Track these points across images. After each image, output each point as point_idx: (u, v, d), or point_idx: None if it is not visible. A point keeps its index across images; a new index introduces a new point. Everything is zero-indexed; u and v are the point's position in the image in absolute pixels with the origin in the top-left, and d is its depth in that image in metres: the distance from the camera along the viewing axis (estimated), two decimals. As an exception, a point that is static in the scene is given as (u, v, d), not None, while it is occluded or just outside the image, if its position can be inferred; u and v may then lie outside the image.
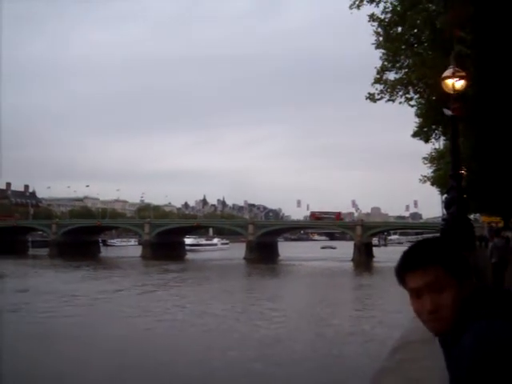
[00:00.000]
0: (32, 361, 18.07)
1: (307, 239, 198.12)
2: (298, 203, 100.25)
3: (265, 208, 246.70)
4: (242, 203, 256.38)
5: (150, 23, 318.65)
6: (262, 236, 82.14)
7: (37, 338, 21.65)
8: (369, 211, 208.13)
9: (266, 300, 34.28)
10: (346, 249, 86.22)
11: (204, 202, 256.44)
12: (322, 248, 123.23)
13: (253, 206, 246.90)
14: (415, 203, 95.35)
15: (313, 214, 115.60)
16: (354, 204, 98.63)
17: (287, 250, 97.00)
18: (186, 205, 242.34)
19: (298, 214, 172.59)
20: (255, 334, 22.95)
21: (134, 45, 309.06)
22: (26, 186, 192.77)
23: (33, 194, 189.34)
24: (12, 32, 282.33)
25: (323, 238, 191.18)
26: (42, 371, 16.90)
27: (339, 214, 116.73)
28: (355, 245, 79.38)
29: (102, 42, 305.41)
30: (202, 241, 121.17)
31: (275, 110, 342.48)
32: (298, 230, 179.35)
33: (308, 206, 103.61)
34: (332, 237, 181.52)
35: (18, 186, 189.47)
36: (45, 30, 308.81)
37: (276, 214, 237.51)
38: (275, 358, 18.44)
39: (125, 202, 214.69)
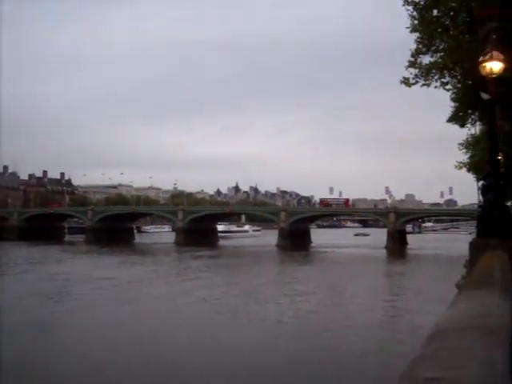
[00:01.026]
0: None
1: (340, 226, 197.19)
2: (331, 190, 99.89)
3: (297, 195, 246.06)
4: (274, 190, 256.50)
5: (174, 9, 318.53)
6: (295, 223, 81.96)
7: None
8: (403, 198, 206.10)
9: (306, 287, 34.25)
10: (379, 236, 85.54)
11: (236, 188, 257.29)
12: (355, 235, 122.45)
13: (285, 192, 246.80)
14: (450, 190, 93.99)
15: (322, 201, 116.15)
16: (387, 191, 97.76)
17: (320, 236, 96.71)
18: (218, 192, 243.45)
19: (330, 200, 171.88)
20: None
21: (170, 29, 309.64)
22: (62, 174, 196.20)
23: (69, 182, 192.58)
24: (43, 22, 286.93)
25: (356, 224, 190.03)
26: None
27: (347, 200, 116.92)
28: (388, 232, 78.59)
29: (140, 29, 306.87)
30: (234, 227, 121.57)
31: (307, 95, 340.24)
32: (331, 217, 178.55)
33: (340, 193, 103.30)
34: (365, 224, 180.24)
35: (54, 174, 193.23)
36: (71, 20, 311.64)
37: (308, 200, 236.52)
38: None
39: (158, 189, 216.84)
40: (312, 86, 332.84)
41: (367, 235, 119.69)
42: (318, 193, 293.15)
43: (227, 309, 25.71)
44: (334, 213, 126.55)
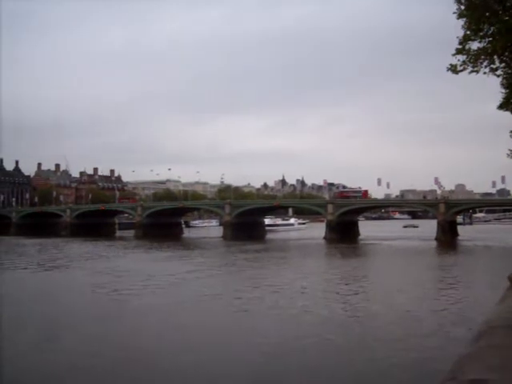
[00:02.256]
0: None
1: (388, 218, 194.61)
2: (379, 181, 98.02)
3: (344, 187, 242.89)
4: (321, 183, 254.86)
5: (230, 4, 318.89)
6: (342, 215, 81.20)
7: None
8: (453, 188, 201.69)
9: (364, 280, 34.06)
10: (428, 227, 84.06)
11: (283, 182, 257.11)
12: (404, 227, 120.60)
13: (332, 185, 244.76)
14: (502, 179, 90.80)
15: (340, 193, 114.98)
16: (436, 181, 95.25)
17: (368, 228, 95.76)
18: (265, 185, 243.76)
19: (378, 192, 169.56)
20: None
21: (214, 26, 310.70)
22: (112, 171, 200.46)
23: (118, 178, 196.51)
24: (95, 19, 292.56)
25: (405, 216, 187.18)
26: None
27: (366, 191, 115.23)
28: (438, 223, 76.95)
29: (186, 24, 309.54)
30: (279, 221, 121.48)
31: (352, 88, 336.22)
32: (379, 209, 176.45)
33: (388, 184, 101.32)
34: (414, 215, 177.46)
35: (104, 171, 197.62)
36: (127, 15, 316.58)
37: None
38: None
39: (205, 183, 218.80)
40: (361, 76, 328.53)
41: (416, 227, 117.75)
42: (366, 185, 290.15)
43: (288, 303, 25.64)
44: (382, 204, 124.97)
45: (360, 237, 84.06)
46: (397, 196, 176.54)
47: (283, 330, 19.87)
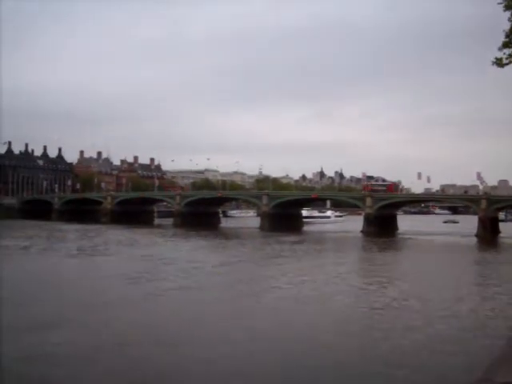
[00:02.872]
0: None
1: (428, 213, 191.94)
2: (419, 175, 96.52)
3: (383, 180, 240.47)
4: (359, 175, 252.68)
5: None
6: (381, 209, 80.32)
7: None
8: (495, 184, 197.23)
9: (400, 275, 33.67)
10: (469, 223, 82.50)
11: (321, 174, 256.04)
12: (444, 222, 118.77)
13: (371, 178, 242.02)
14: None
15: (365, 187, 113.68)
16: (478, 176, 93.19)
17: (407, 223, 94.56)
18: (303, 177, 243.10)
19: (418, 186, 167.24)
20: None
21: (250, 17, 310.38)
22: (152, 159, 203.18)
23: (158, 167, 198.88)
24: (131, 9, 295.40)
25: (445, 211, 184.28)
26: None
27: (392, 185, 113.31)
28: (479, 219, 75.41)
29: (221, 15, 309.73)
30: (315, 213, 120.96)
31: (393, 79, 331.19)
32: (419, 203, 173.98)
33: (429, 179, 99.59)
34: (455, 211, 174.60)
35: (144, 159, 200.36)
36: (162, 8, 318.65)
37: (395, 186, 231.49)
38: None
39: (243, 174, 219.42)
40: (401, 68, 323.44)
41: (457, 222, 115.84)
42: (406, 178, 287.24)
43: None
44: (422, 199, 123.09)
45: (398, 231, 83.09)
46: (437, 191, 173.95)
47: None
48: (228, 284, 28.71)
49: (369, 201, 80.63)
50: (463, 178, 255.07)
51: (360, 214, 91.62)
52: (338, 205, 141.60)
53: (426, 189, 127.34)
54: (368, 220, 79.76)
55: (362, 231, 78.29)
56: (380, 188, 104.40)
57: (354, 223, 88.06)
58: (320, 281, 29.74)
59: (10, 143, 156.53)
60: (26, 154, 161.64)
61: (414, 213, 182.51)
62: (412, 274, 34.83)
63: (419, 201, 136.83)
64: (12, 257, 39.74)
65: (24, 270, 32.39)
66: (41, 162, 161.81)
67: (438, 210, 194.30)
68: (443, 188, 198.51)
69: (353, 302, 24.24)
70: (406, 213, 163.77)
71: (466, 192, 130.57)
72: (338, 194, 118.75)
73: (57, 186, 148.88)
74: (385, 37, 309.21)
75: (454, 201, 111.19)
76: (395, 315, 21.33)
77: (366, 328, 19.20)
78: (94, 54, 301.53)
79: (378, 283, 29.56)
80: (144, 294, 24.69)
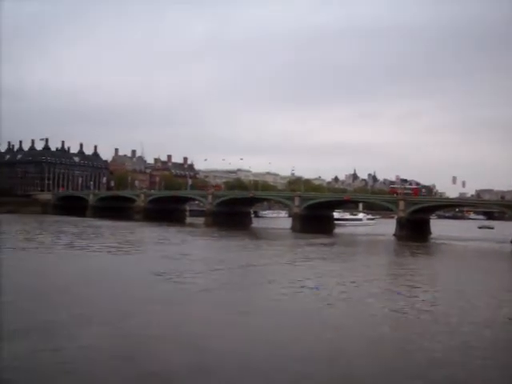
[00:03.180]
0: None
1: (462, 218, 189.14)
2: (454, 180, 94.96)
3: (417, 184, 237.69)
4: (393, 178, 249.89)
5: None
6: (414, 212, 79.38)
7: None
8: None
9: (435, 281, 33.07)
10: (505, 229, 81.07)
11: (354, 176, 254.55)
12: (479, 228, 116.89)
13: (405, 181, 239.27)
14: None
15: (391, 190, 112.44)
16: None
17: (440, 228, 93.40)
18: (335, 179, 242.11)
19: (453, 191, 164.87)
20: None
21: (292, 18, 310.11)
22: (185, 159, 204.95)
23: (191, 166, 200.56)
24: (173, 13, 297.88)
25: (480, 217, 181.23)
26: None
27: (418, 189, 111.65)
28: (516, 225, 74.06)
29: (263, 17, 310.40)
30: (347, 215, 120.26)
31: (433, 82, 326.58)
32: (453, 208, 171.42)
33: (464, 183, 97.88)
34: (490, 216, 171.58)
35: (178, 158, 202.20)
36: (207, 8, 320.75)
37: (429, 190, 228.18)
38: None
39: (276, 174, 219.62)
40: (436, 72, 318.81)
41: (492, 228, 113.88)
42: (440, 182, 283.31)
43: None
44: (456, 203, 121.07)
45: (431, 236, 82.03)
46: (472, 195, 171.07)
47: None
48: (253, 284, 28.70)
49: (402, 204, 79.78)
50: (501, 183, 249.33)
51: (392, 218, 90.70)
52: (370, 207, 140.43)
53: (461, 193, 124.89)
54: (401, 223, 78.94)
55: (394, 235, 77.57)
56: (406, 192, 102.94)
57: (386, 226, 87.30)
58: (351, 284, 29.52)
59: (47, 140, 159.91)
60: (63, 151, 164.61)
61: (448, 217, 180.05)
62: (445, 280, 34.11)
63: (453, 205, 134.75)
64: (55, 254, 40.54)
65: (75, 267, 33.02)
66: (77, 159, 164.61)
67: (472, 215, 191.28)
68: (479, 193, 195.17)
69: (389, 306, 23.85)
70: (439, 217, 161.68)
71: (502, 197, 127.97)
72: (370, 196, 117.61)
73: (92, 182, 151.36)
74: (436, 37, 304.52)
75: (489, 206, 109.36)
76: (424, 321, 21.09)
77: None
78: (135, 54, 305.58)
79: (410, 288, 29.01)
80: (177, 291, 24.99)
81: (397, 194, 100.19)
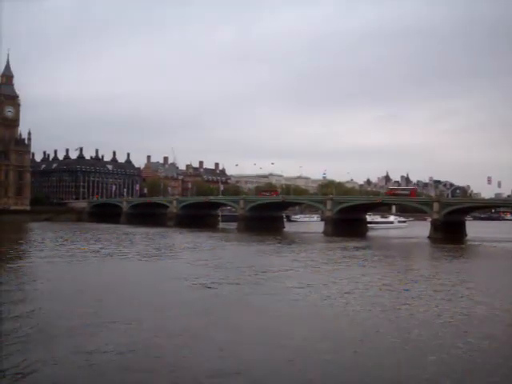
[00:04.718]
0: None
1: (498, 219, 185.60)
2: (489, 180, 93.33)
3: (451, 185, 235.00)
4: (426, 180, 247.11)
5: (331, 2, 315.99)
6: (448, 214, 78.19)
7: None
8: None
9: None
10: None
11: (387, 178, 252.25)
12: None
13: (438, 182, 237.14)
14: None
15: (389, 191, 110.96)
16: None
17: (475, 229, 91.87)
18: (368, 181, 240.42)
19: (488, 191, 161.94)
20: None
21: (316, 23, 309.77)
22: (217, 164, 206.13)
23: (223, 172, 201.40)
24: (205, 19, 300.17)
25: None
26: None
27: (415, 190, 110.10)
28: (555, 226, 72.38)
29: (286, 22, 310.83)
30: (378, 218, 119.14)
31: (465, 82, 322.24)
32: (489, 209, 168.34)
33: (499, 183, 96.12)
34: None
35: (209, 164, 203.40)
36: (231, 14, 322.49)
37: (464, 191, 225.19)
38: None
39: (307, 178, 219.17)
40: (468, 71, 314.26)
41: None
42: (475, 183, 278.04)
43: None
44: (492, 204, 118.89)
45: (467, 237, 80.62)
46: (509, 196, 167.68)
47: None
48: (289, 290, 28.59)
49: (436, 206, 78.71)
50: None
51: (425, 220, 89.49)
52: (404, 210, 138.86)
53: (497, 194, 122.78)
54: (435, 226, 77.89)
55: (428, 237, 76.58)
56: (403, 192, 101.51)
57: (419, 229, 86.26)
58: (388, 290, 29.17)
59: (81, 149, 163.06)
60: (97, 160, 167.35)
61: (484, 218, 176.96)
62: (488, 284, 32.77)
63: (488, 206, 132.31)
64: (96, 261, 41.27)
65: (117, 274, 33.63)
66: (110, 167, 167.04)
67: (509, 216, 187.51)
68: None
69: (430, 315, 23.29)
70: (475, 218, 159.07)
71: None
72: (403, 199, 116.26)
73: (125, 190, 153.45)
74: (463, 39, 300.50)
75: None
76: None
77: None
78: (163, 62, 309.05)
79: (451, 295, 27.66)
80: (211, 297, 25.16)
81: (394, 195, 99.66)
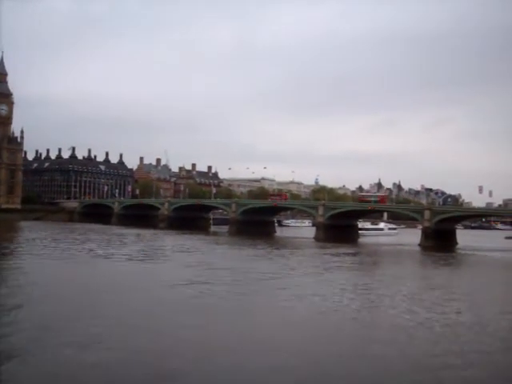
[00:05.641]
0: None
1: (489, 228, 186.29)
2: (480, 189, 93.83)
3: (443, 193, 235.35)
4: (418, 187, 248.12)
5: (331, 5, 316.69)
6: (439, 222, 78.35)
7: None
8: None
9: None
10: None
11: (379, 185, 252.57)
12: (506, 238, 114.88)
13: (430, 190, 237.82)
14: None
15: (360, 198, 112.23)
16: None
17: (466, 238, 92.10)
18: (360, 188, 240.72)
19: (479, 200, 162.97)
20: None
21: (315, 27, 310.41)
22: (209, 167, 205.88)
23: (215, 175, 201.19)
24: (204, 20, 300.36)
25: (508, 227, 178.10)
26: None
27: (384, 197, 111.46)
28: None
29: (287, 25, 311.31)
30: (368, 225, 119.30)
31: (460, 90, 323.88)
32: (479, 218, 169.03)
33: (490, 193, 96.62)
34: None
35: (202, 167, 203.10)
36: (231, 15, 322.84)
37: (455, 199, 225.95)
38: None
39: (300, 183, 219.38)
40: (466, 79, 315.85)
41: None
42: (466, 192, 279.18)
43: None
44: (483, 213, 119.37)
45: (457, 246, 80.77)
46: (500, 205, 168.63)
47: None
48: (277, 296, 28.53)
49: (427, 214, 78.88)
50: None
51: (415, 227, 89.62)
52: (395, 217, 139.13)
53: (488, 203, 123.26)
54: (426, 233, 78.01)
55: (419, 245, 76.70)
56: (373, 199, 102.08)
57: (409, 236, 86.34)
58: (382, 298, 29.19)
59: (74, 149, 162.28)
60: (89, 160, 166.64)
61: (474, 227, 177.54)
62: (478, 295, 32.15)
63: (479, 215, 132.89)
64: (83, 263, 41.07)
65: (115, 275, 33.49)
66: (103, 168, 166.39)
67: (500, 226, 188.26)
68: (506, 202, 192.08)
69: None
70: (465, 227, 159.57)
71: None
72: (394, 206, 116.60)
73: (117, 190, 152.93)
74: (460, 46, 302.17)
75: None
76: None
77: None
78: (157, 64, 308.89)
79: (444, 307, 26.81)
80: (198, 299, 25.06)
81: (364, 201, 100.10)
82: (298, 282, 33.18)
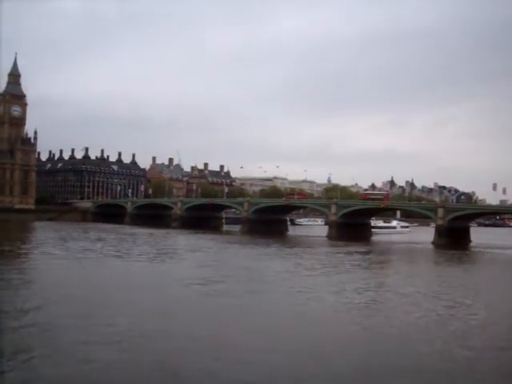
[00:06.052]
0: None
1: (503, 225, 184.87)
2: (494, 186, 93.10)
3: (456, 191, 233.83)
4: (431, 185, 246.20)
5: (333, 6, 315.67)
6: (453, 220, 77.89)
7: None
8: None
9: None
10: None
11: (391, 183, 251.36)
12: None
13: (443, 188, 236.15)
14: None
15: (363, 195, 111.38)
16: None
17: (480, 236, 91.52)
18: (372, 186, 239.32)
19: (493, 198, 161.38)
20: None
21: (316, 28, 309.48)
22: (222, 166, 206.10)
23: (227, 174, 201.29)
24: (211, 21, 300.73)
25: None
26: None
27: (387, 195, 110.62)
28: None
29: (295, 25, 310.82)
30: (380, 223, 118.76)
31: (471, 87, 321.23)
32: (493, 215, 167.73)
33: (504, 190, 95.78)
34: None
35: (214, 166, 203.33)
36: (235, 17, 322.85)
37: (469, 197, 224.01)
38: None
39: (312, 182, 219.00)
40: (470, 77, 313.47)
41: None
42: (480, 189, 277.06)
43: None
44: (496, 210, 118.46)
45: (471, 244, 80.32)
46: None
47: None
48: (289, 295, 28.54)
49: (441, 212, 78.46)
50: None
51: (428, 225, 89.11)
52: (408, 215, 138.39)
53: (502, 200, 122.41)
54: (439, 231, 77.63)
55: (432, 242, 76.35)
56: (377, 197, 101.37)
57: (422, 234, 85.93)
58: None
59: (87, 149, 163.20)
60: (102, 160, 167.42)
61: (488, 225, 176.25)
62: (497, 294, 32.01)
63: (493, 213, 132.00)
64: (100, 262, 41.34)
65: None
66: (115, 168, 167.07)
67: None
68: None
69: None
70: (479, 225, 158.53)
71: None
72: (407, 204, 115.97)
73: (130, 190, 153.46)
74: (469, 43, 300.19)
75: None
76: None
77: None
78: (169, 65, 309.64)
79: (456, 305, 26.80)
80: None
81: (368, 199, 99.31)
82: (314, 281, 33.16)
